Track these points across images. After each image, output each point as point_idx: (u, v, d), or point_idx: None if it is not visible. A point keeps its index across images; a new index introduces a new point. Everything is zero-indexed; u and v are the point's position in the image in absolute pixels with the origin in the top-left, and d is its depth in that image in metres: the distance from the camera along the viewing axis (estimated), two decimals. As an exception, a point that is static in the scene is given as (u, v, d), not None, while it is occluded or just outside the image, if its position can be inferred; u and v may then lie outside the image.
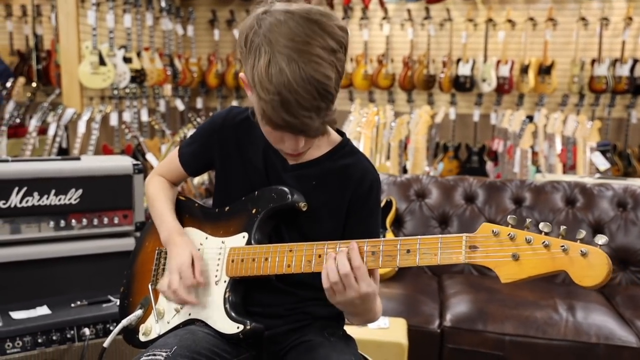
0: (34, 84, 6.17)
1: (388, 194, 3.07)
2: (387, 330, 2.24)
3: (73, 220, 2.17)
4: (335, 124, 1.20)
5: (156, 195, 1.53)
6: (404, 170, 4.79)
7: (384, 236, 2.81)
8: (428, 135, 5.80)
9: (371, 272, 1.22)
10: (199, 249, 1.43)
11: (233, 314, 1.34)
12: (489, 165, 6.10)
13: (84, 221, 2.18)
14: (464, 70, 6.44)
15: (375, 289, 1.23)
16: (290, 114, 1.12)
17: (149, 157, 4.61)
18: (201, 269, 1.38)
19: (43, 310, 2.03)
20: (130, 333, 1.50)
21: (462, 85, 6.46)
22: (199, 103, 7.23)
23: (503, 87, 6.37)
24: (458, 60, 6.49)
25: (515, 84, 6.36)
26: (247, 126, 1.41)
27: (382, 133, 4.68)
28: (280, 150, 1.31)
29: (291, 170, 1.38)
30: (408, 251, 1.16)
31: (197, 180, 4.71)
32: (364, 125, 3.57)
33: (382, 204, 2.98)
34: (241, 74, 1.26)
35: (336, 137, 1.42)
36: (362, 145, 3.34)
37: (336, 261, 1.19)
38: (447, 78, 6.48)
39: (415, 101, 6.76)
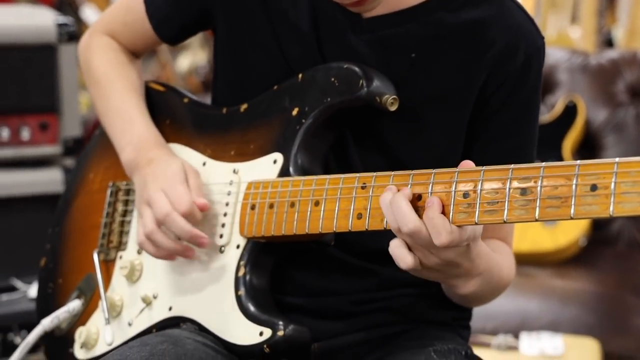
0: None
1: (569, 91, 3.10)
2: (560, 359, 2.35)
3: None
4: None
5: (108, 74, 1.64)
6: (609, 44, 4.74)
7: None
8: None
9: None
10: None
11: (252, 310, 1.45)
12: None
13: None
14: None
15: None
16: None
17: (87, 13, 4.71)
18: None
19: None
20: (58, 344, 1.66)
21: None
22: None
23: None
24: None
25: None
26: None
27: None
28: None
29: (367, 31, 1.47)
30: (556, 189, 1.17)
31: (185, 62, 4.81)
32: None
33: (561, 110, 3.01)
34: None
35: None
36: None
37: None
38: None
39: None
